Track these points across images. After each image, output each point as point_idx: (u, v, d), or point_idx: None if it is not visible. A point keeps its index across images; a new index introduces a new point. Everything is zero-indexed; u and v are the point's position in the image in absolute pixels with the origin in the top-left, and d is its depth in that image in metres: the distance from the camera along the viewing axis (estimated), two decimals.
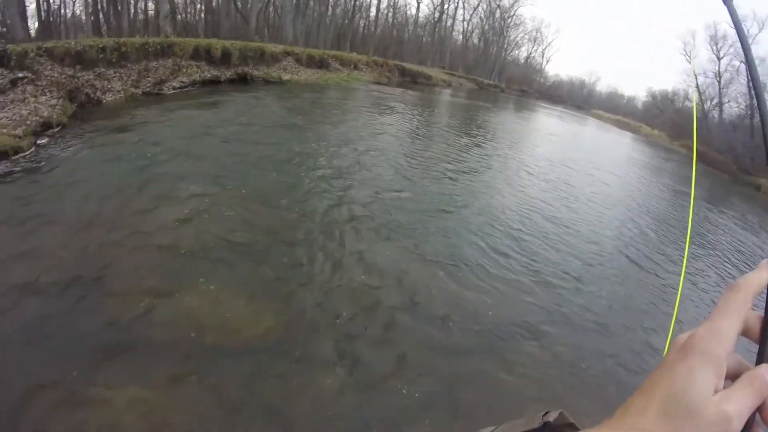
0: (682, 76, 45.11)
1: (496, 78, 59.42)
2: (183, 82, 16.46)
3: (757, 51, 36.07)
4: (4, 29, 21.10)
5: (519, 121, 28.78)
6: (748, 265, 10.18)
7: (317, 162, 9.77)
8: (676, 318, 6.19)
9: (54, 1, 28.60)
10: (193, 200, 6.86)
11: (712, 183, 24.70)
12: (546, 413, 0.54)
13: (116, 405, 3.35)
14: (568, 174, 14.27)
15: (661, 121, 46.81)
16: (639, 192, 15.33)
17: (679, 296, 7.14)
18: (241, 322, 4.44)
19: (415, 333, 4.73)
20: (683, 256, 9.15)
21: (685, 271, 8.50)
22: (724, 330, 0.42)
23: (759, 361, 0.42)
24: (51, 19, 27.92)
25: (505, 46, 64.33)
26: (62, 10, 29.26)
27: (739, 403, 0.39)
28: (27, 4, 24.23)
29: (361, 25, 48.39)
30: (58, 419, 3.20)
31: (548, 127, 28.71)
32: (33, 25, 25.94)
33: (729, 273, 9.23)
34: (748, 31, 35.50)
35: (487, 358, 4.62)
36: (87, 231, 5.64)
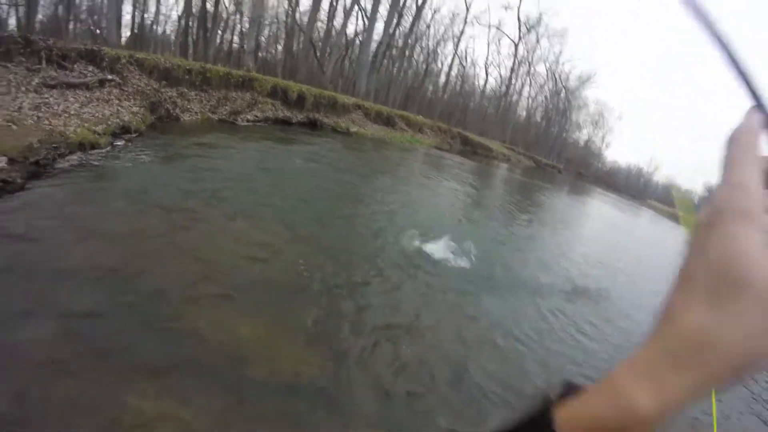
0: None
1: (554, 158, 59.23)
2: (257, 116, 16.77)
3: None
4: (99, 32, 22.21)
5: (575, 205, 28.24)
6: None
7: (375, 214, 9.47)
8: None
9: (147, 16, 30.23)
10: (254, 233, 6.60)
11: None
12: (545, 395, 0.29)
13: (148, 415, 3.11)
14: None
15: None
16: None
17: None
18: (288, 360, 4.08)
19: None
20: None
21: None
22: (747, 181, 0.35)
23: None
24: (143, 32, 29.37)
25: (567, 126, 64.43)
26: (154, 26, 30.78)
27: None
28: (123, 13, 25.74)
29: (430, 89, 49.36)
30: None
31: (604, 216, 28.13)
32: (125, 34, 27.52)
33: None
34: None
35: None
36: (143, 239, 5.42)
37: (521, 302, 7.18)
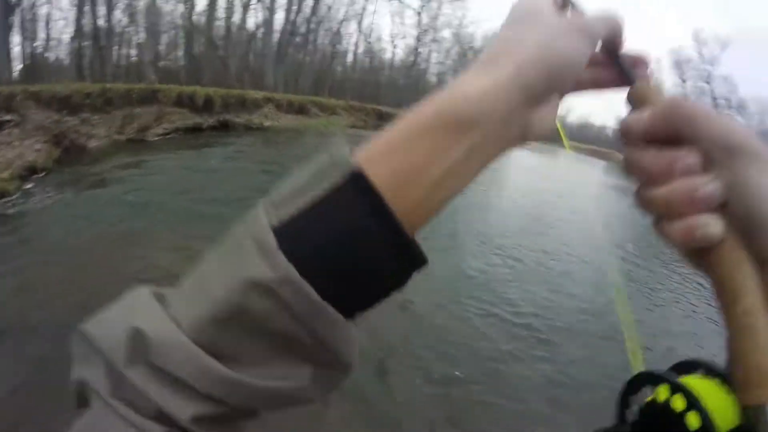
0: None
1: None
2: (166, 129, 16.84)
3: (718, 71, 38.31)
4: None
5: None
6: None
7: None
8: None
9: (38, 44, 29.09)
10: (175, 249, 7.11)
11: None
12: None
13: None
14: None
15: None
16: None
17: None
18: None
19: None
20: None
21: None
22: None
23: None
24: (35, 61, 28.32)
25: None
26: (46, 53, 29.69)
27: (595, 19, 0.42)
28: (11, 46, 24.76)
29: (339, 70, 49.65)
30: None
31: (522, 163, 29.62)
32: (17, 66, 26.41)
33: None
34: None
35: None
36: (77, 273, 5.85)
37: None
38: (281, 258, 0.32)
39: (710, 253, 0.35)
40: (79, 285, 5.60)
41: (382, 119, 35.25)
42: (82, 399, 0.34)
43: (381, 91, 51.22)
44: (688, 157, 0.36)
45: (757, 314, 0.33)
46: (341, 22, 46.84)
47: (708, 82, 37.70)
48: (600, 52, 0.45)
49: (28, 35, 27.89)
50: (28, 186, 9.34)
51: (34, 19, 28.01)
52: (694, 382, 0.36)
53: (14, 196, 8.60)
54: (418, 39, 54.68)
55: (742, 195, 0.34)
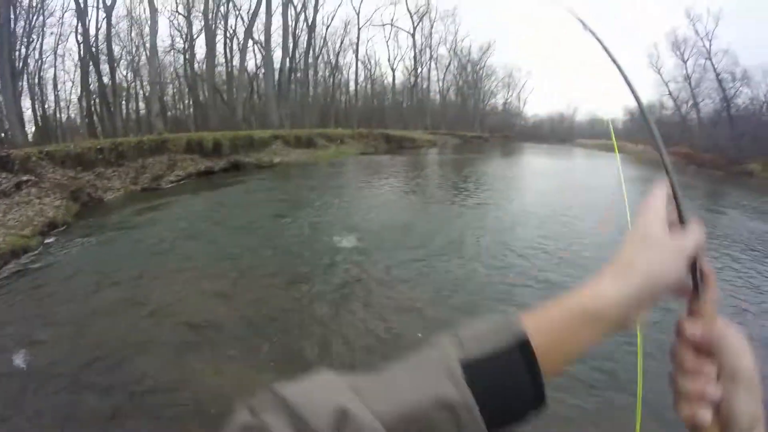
0: (655, 87, 46.22)
1: (478, 129, 61.16)
2: (179, 176, 17.17)
3: (718, 45, 37.48)
4: (4, 134, 22.14)
5: (509, 167, 29.44)
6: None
7: (325, 242, 10.19)
8: None
9: (49, 107, 30.01)
10: (193, 288, 7.19)
11: (704, 182, 24.82)
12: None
13: None
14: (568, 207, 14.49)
15: (642, 135, 47.58)
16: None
17: None
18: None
19: None
20: None
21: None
22: (657, 206, 0.61)
23: (681, 220, 0.61)
24: (47, 123, 29.15)
25: (482, 96, 66.71)
26: (57, 114, 30.59)
27: (685, 235, 0.58)
28: (24, 109, 25.59)
29: (343, 100, 50.34)
30: None
31: (538, 167, 29.51)
32: (30, 129, 27.26)
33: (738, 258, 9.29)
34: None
35: None
36: (96, 322, 5.91)
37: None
38: (464, 386, 0.46)
39: (696, 429, 0.54)
40: (99, 334, 5.64)
41: (390, 142, 35.50)
42: None
43: (386, 115, 51.71)
44: (711, 371, 0.55)
45: None
46: (338, 53, 47.76)
47: (709, 59, 37.00)
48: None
49: (38, 98, 28.85)
50: (50, 240, 9.61)
51: (41, 83, 28.98)
52: None
53: (36, 251, 8.88)
54: (416, 59, 55.44)
55: (732, 408, 0.53)
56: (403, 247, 9.34)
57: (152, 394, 4.53)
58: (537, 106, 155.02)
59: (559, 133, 71.99)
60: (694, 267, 0.59)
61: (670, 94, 43.39)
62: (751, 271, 8.72)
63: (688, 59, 39.89)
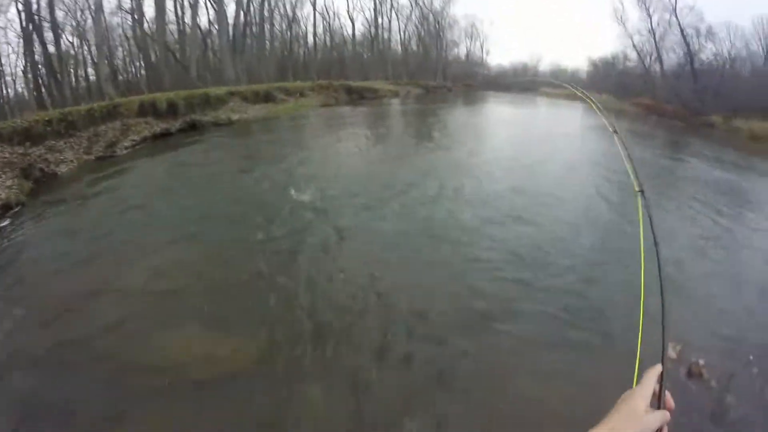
0: (619, 39, 46.66)
1: (440, 79, 60.57)
2: (134, 140, 16.77)
3: (683, 2, 37.83)
4: None
5: (472, 115, 29.61)
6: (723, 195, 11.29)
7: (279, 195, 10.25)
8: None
9: None
10: (158, 253, 7.28)
11: (667, 132, 25.41)
12: None
13: None
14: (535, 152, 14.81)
15: (606, 85, 47.95)
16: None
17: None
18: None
19: None
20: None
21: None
22: (646, 392, 0.93)
23: (659, 406, 0.95)
24: None
25: (444, 46, 65.67)
26: (3, 91, 29.32)
27: (656, 419, 0.89)
28: None
29: (302, 53, 49.12)
30: None
31: (502, 116, 29.66)
32: None
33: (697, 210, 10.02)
34: None
35: None
36: (60, 303, 5.91)
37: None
38: None
39: None
40: (59, 310, 5.72)
41: (351, 93, 35.06)
42: None
43: (346, 66, 50.73)
44: None
45: None
46: (295, 4, 46.29)
47: (674, 14, 37.23)
48: None
49: None
50: (4, 224, 9.29)
51: None
52: None
53: None
54: (375, 10, 54.11)
55: None
56: (363, 197, 9.52)
57: (121, 369, 4.61)
58: (500, 56, 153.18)
59: (522, 83, 71.80)
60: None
61: (634, 46, 43.96)
62: (709, 209, 9.89)
63: (653, 14, 39.96)
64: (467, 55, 71.32)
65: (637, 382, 0.97)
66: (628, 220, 8.46)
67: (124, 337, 5.13)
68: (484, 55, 75.02)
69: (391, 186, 10.39)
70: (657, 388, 0.96)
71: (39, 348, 5.01)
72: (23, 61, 28.23)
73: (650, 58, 42.84)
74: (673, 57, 40.16)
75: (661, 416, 0.91)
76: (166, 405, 4.13)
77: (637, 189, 1.33)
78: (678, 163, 15.54)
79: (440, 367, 4.63)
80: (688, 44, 36.94)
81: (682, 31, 36.98)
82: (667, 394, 0.96)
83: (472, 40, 70.49)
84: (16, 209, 10.16)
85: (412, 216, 8.77)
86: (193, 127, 20.03)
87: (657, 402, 0.95)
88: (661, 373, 0.97)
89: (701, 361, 4.58)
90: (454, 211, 9.04)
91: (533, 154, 14.51)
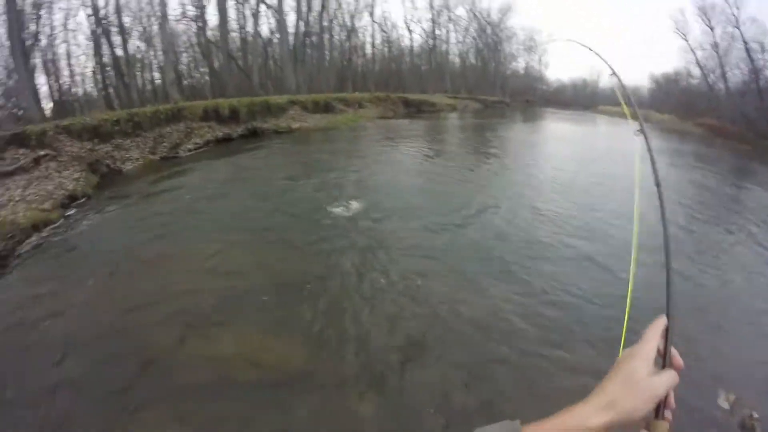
0: (682, 54, 44.25)
1: (499, 93, 59.64)
2: (197, 143, 16.95)
3: (747, 13, 35.61)
4: (21, 111, 22.10)
5: (531, 132, 28.80)
6: None
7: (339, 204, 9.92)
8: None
9: (63, 81, 29.83)
10: (212, 256, 7.04)
11: (732, 156, 23.59)
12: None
13: None
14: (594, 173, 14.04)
15: (668, 104, 45.93)
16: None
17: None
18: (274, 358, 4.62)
19: None
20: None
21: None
22: (648, 350, 0.79)
23: (663, 365, 0.81)
24: (64, 98, 28.99)
25: (503, 60, 64.72)
26: (73, 89, 30.39)
27: (661, 382, 0.76)
28: (39, 86, 25.41)
29: (360, 63, 49.37)
30: None
31: (562, 134, 28.70)
32: (47, 105, 27.14)
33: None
34: None
35: None
36: (119, 291, 5.88)
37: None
38: None
39: None
40: (120, 301, 5.62)
41: (409, 106, 34.81)
42: None
43: (404, 78, 50.70)
44: None
45: None
46: (353, 15, 46.61)
47: (737, 27, 35.07)
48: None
49: (52, 74, 28.61)
50: (71, 213, 9.56)
51: (55, 58, 28.68)
52: None
53: (57, 224, 8.83)
54: (433, 21, 53.89)
55: None
56: (418, 212, 9.09)
57: (172, 355, 4.59)
58: (559, 70, 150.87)
59: (581, 99, 70.03)
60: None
61: (697, 62, 40.99)
62: None
63: (715, 26, 37.75)
64: (525, 69, 70.16)
65: (629, 344, 0.83)
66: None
67: (178, 325, 5.09)
68: (543, 70, 73.70)
69: (452, 204, 9.85)
70: (662, 346, 0.81)
71: (101, 324, 5.11)
72: (92, 63, 29.23)
73: (714, 75, 39.91)
74: (737, 74, 37.21)
75: (668, 378, 0.77)
76: (209, 398, 4.03)
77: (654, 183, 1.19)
78: (743, 192, 14.17)
79: (492, 394, 4.13)
80: (752, 60, 34.14)
81: (745, 45, 34.49)
82: (674, 351, 0.81)
83: (530, 53, 69.36)
84: (82, 200, 10.45)
85: (473, 233, 8.22)
86: (253, 134, 20.12)
87: (662, 361, 0.81)
88: (666, 327, 0.83)
89: (755, 414, 4.02)
90: (508, 231, 8.39)
91: (592, 174, 13.67)
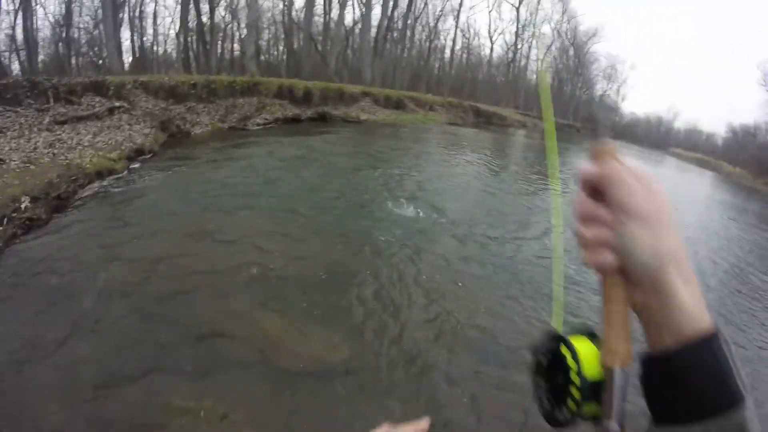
0: (764, 109, 41.74)
1: (571, 118, 57.92)
2: (266, 119, 16.90)
3: None
4: (101, 61, 22.69)
5: None
6: None
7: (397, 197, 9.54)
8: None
9: (147, 39, 30.64)
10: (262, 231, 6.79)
11: None
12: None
13: (193, 414, 3.44)
14: None
15: (743, 158, 43.42)
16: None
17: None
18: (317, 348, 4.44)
19: None
20: None
21: None
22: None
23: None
24: (144, 55, 29.79)
25: (581, 84, 62.76)
26: (154, 47, 31.17)
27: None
28: (123, 40, 26.15)
29: (436, 66, 48.86)
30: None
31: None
32: (127, 59, 27.94)
33: None
34: None
35: None
36: (168, 255, 5.77)
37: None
38: None
39: (605, 274, 0.55)
40: (165, 265, 5.52)
41: (479, 116, 34.06)
42: None
43: (478, 87, 49.90)
44: (601, 212, 0.54)
45: (616, 313, 0.54)
46: (438, 17, 46.08)
47: None
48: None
49: (137, 30, 29.47)
50: (135, 166, 9.66)
51: (141, 16, 29.53)
52: (579, 342, 0.57)
53: (121, 174, 8.96)
54: (517, 35, 52.67)
55: (626, 245, 0.52)
56: (474, 224, 8.58)
57: (215, 332, 4.47)
58: (635, 102, 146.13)
59: (652, 138, 67.52)
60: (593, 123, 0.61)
61: None
62: None
63: None
64: (602, 97, 67.83)
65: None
66: None
67: (222, 299, 4.99)
68: (620, 100, 71.42)
69: (511, 221, 9.33)
70: None
71: (146, 283, 5.08)
72: (177, 26, 29.90)
73: None
74: None
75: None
76: (249, 381, 3.88)
77: None
78: None
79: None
80: None
81: None
82: None
83: (609, 81, 67.22)
84: (148, 156, 10.55)
85: (528, 250, 7.67)
86: (322, 119, 19.93)
87: None
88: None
89: None
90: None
91: None
